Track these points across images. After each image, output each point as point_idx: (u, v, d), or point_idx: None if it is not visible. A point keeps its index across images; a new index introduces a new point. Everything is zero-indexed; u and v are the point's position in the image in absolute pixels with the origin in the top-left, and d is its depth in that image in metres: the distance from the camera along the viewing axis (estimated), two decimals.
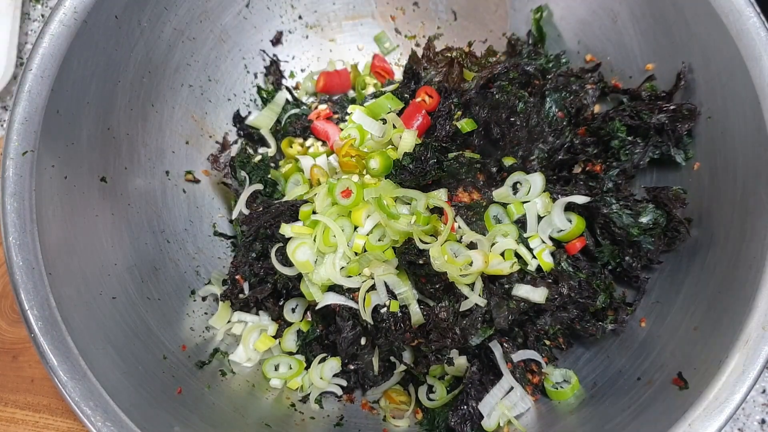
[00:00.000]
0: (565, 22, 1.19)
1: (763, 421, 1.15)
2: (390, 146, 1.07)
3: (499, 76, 1.07)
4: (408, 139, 1.02)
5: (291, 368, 1.10)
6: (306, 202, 1.09)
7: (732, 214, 0.94)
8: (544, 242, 1.04)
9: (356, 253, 1.00)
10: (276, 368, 1.11)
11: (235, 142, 1.28)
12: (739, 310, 0.86)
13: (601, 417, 0.94)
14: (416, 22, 1.34)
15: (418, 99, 1.11)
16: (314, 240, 1.01)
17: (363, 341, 1.05)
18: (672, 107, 1.02)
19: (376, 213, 1.00)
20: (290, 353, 1.13)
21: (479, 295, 0.97)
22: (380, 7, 1.34)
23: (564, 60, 1.17)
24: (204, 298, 1.16)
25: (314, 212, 1.04)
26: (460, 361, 1.02)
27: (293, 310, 1.13)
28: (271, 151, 1.27)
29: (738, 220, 0.92)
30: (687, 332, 0.94)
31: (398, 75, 1.34)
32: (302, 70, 1.36)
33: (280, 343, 1.13)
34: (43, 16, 1.43)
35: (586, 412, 0.97)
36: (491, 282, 1.00)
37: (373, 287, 0.99)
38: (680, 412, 0.83)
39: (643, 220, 1.02)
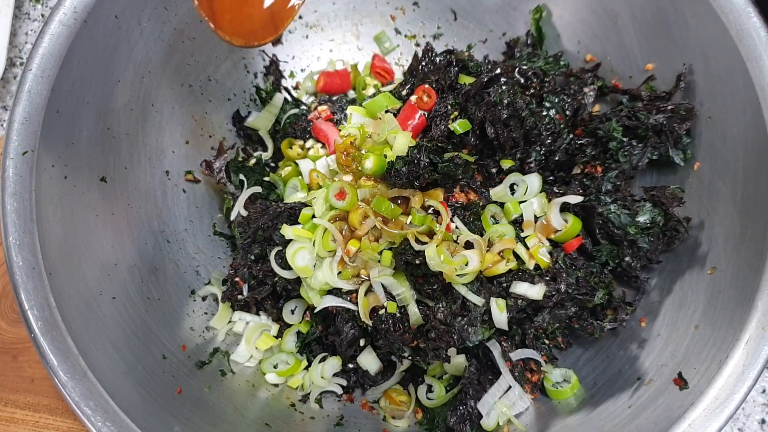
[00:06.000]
0: (565, 22, 1.19)
1: (763, 421, 1.16)
2: (387, 144, 1.07)
3: (496, 78, 1.07)
4: (401, 142, 1.02)
5: (288, 363, 1.10)
6: (305, 204, 1.09)
7: (732, 214, 0.94)
8: (541, 241, 1.04)
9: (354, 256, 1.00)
10: (275, 367, 1.11)
11: (232, 147, 1.27)
12: (739, 310, 0.86)
13: (601, 417, 0.94)
14: (416, 22, 1.34)
15: (415, 98, 1.11)
16: (313, 244, 1.01)
17: (362, 342, 1.06)
18: (670, 107, 1.02)
19: (371, 215, 1.00)
20: (290, 354, 1.13)
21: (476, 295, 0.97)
22: (380, 7, 1.34)
23: (563, 61, 1.17)
24: (204, 298, 1.16)
25: (313, 216, 1.04)
26: (459, 359, 1.02)
27: (292, 312, 1.14)
28: (267, 154, 1.27)
29: (738, 220, 0.92)
30: (687, 332, 0.94)
31: (398, 75, 1.34)
32: (302, 70, 1.36)
33: (280, 344, 1.13)
34: (43, 16, 1.43)
35: (586, 411, 0.97)
36: (489, 281, 1.00)
37: (371, 289, 0.99)
38: (680, 412, 0.83)
39: (641, 219, 1.02)
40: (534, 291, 0.99)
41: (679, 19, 1.01)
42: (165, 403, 0.93)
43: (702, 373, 0.85)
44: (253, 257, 1.11)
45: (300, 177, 1.16)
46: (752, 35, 0.92)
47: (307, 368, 1.12)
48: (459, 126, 1.04)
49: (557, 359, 1.09)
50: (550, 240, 1.06)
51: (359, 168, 1.03)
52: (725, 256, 0.93)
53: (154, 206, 1.14)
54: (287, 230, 1.03)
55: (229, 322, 1.15)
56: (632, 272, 1.05)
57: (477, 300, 0.97)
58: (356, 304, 1.01)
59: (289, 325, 1.14)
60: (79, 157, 0.98)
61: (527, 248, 1.03)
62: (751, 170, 0.91)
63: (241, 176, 1.22)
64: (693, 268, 0.99)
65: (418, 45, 1.35)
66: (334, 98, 1.30)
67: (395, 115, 1.11)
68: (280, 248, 1.06)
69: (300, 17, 1.31)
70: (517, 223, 1.05)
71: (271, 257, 1.06)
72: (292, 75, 1.35)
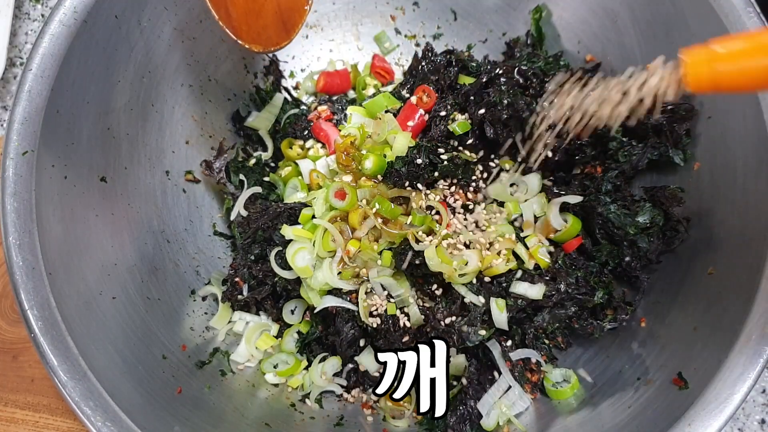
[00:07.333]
0: (565, 22, 1.19)
1: (763, 421, 1.15)
2: (386, 144, 1.07)
3: (496, 78, 1.07)
4: (401, 142, 1.02)
5: (288, 363, 1.10)
6: (305, 205, 1.09)
7: (732, 214, 0.94)
8: (541, 241, 1.04)
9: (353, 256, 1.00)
10: (275, 367, 1.11)
11: (232, 147, 1.27)
12: (739, 310, 0.86)
13: (601, 417, 0.94)
14: (416, 22, 1.34)
15: (415, 98, 1.11)
16: (313, 244, 1.01)
17: (362, 342, 1.06)
18: (670, 107, 1.02)
19: (371, 215, 1.00)
20: (290, 354, 1.13)
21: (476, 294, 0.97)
22: (380, 7, 1.34)
23: (563, 61, 1.17)
24: (204, 298, 1.16)
25: (313, 216, 1.04)
26: (459, 359, 1.02)
27: (292, 312, 1.14)
28: (267, 154, 1.27)
29: (738, 220, 0.92)
30: (687, 332, 0.94)
31: (398, 75, 1.34)
32: (302, 70, 1.36)
33: (280, 344, 1.13)
34: (43, 16, 1.43)
35: (586, 411, 0.97)
36: (489, 281, 1.00)
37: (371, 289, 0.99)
38: (680, 412, 0.83)
39: (641, 219, 1.02)
40: (534, 291, 0.99)
41: (679, 19, 1.00)
42: (165, 403, 0.93)
43: (702, 373, 0.85)
44: (253, 257, 1.11)
45: (300, 177, 1.16)
46: None
47: (307, 368, 1.12)
48: (459, 126, 1.05)
49: (557, 359, 1.09)
50: (550, 240, 1.06)
51: (359, 168, 1.03)
52: (725, 256, 0.93)
53: (154, 206, 1.14)
54: (287, 230, 1.03)
55: (229, 322, 1.15)
56: (632, 272, 1.05)
57: (477, 300, 0.97)
58: (356, 304, 1.01)
59: (289, 325, 1.14)
60: (79, 157, 0.98)
61: (527, 248, 1.03)
62: (751, 170, 0.91)
63: (241, 176, 1.22)
64: (693, 268, 0.99)
65: (418, 45, 1.35)
66: (334, 98, 1.30)
67: (395, 115, 1.11)
68: (280, 248, 1.06)
69: None
70: (517, 223, 1.05)
71: (271, 257, 1.06)
72: (292, 75, 1.35)
